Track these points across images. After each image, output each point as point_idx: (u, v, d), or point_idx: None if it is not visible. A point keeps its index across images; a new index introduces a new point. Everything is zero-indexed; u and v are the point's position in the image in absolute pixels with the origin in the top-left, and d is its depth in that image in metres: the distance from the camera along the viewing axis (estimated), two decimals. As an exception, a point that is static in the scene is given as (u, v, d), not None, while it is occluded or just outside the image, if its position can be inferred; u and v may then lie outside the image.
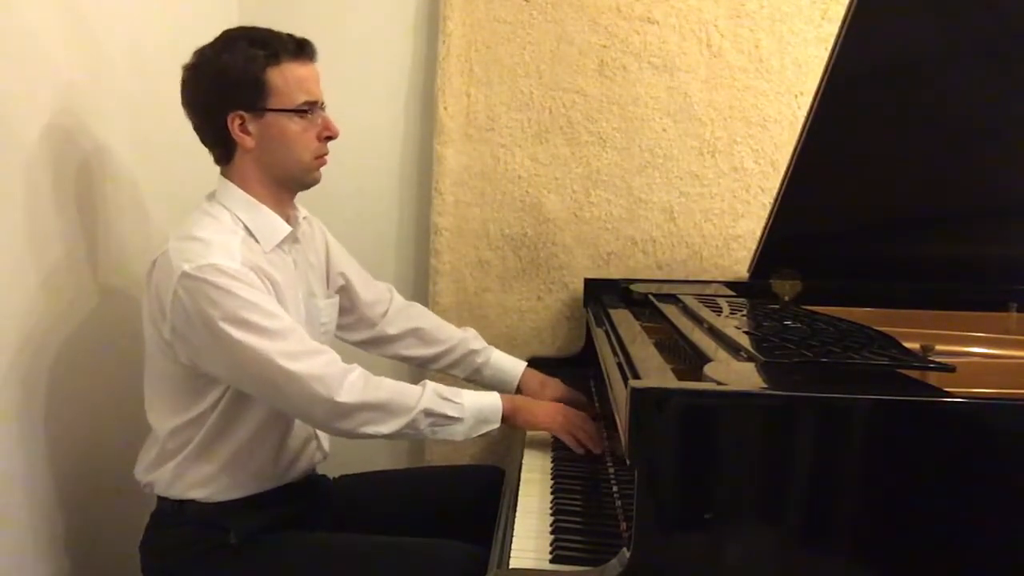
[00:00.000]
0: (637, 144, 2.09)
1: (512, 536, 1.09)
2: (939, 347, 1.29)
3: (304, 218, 1.49)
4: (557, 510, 1.18)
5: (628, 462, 0.88)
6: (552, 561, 1.02)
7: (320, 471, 1.58)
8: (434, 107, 2.10)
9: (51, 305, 1.42)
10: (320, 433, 1.49)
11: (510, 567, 1.01)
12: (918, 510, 0.86)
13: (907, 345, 1.09)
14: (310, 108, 1.33)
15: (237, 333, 1.22)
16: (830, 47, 1.31)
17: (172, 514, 1.36)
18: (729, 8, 2.06)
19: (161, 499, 1.39)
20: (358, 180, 2.17)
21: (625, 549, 0.88)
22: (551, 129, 2.10)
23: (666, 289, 1.76)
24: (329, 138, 1.38)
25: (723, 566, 0.87)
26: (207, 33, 2.03)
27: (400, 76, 2.19)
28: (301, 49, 1.34)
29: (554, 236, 2.12)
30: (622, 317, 1.60)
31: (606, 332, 1.48)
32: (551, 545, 1.06)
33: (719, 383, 0.88)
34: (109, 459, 1.60)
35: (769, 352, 1.02)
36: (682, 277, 2.10)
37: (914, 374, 0.96)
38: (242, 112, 1.30)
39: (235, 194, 1.35)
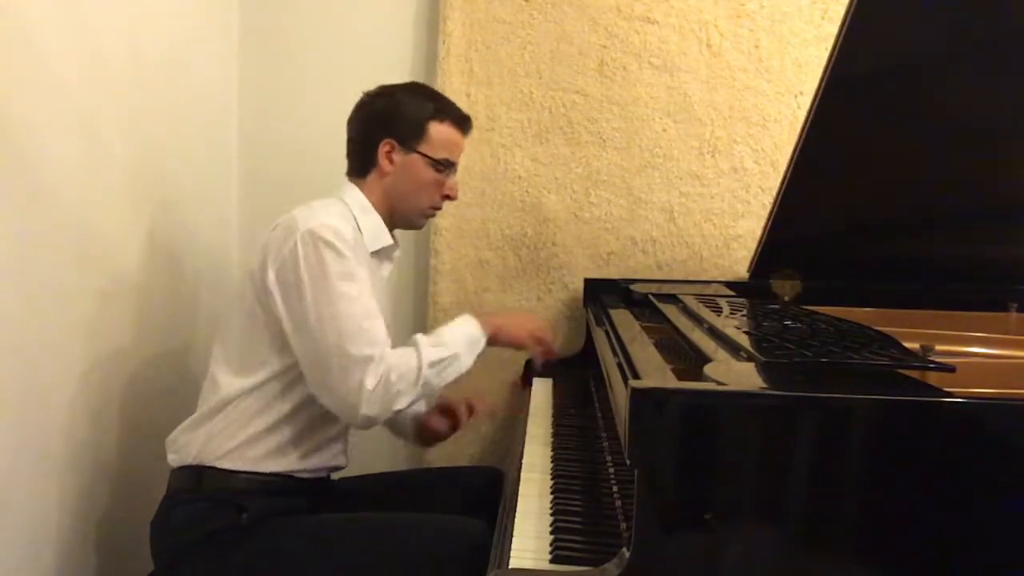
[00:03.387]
0: (637, 144, 2.10)
1: (512, 536, 1.09)
2: (939, 347, 1.28)
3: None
4: (557, 510, 1.18)
5: (628, 462, 0.88)
6: (552, 561, 1.02)
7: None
8: (434, 107, 2.10)
9: (53, 303, 1.42)
10: (347, 439, 1.53)
11: (510, 567, 1.01)
12: (918, 510, 0.86)
13: (907, 345, 1.09)
14: (447, 167, 1.52)
15: (333, 291, 1.33)
16: (830, 47, 1.30)
17: (189, 489, 1.40)
18: (729, 8, 2.06)
19: (179, 472, 1.42)
20: (358, 180, 2.17)
21: (625, 549, 0.88)
22: (551, 129, 2.10)
23: (666, 289, 1.76)
24: (448, 197, 1.55)
25: (723, 566, 0.87)
26: (207, 34, 2.04)
27: (400, 76, 2.18)
28: (463, 122, 1.55)
29: (554, 236, 2.12)
30: (622, 317, 1.60)
31: (606, 332, 1.48)
32: (551, 545, 1.06)
33: (719, 383, 0.88)
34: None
35: (769, 352, 1.02)
36: (682, 277, 2.10)
37: (914, 374, 0.96)
38: (395, 142, 1.49)
39: (356, 195, 1.51)
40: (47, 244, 1.40)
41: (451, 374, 1.41)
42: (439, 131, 1.50)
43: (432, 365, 1.37)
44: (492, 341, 1.49)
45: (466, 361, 1.43)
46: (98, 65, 1.54)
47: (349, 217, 1.47)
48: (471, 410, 1.69)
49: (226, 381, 1.43)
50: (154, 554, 1.42)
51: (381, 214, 1.51)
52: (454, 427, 1.70)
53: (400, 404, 1.34)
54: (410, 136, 1.49)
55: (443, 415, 1.70)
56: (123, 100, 1.63)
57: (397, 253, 1.59)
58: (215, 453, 1.41)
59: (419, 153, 1.49)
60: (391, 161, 1.49)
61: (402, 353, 1.37)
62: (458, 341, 1.42)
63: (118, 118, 1.62)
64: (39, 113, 1.36)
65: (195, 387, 1.53)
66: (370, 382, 1.30)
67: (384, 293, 1.58)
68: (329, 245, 1.35)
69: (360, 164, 1.53)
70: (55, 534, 1.47)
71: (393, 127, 1.49)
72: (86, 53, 1.50)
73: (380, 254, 1.53)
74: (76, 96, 1.47)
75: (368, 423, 1.34)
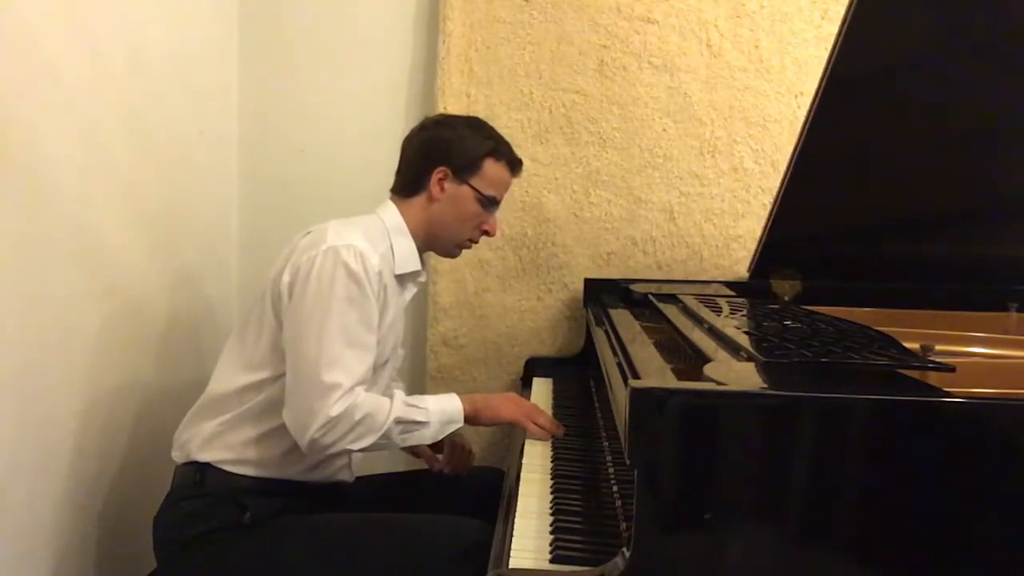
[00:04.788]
0: (637, 144, 2.09)
1: (512, 536, 1.09)
2: (939, 347, 1.28)
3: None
4: (557, 510, 1.18)
5: (628, 462, 0.88)
6: (552, 561, 1.02)
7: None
8: (434, 107, 2.10)
9: (53, 303, 1.42)
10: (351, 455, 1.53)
11: (510, 567, 1.01)
12: (918, 510, 0.86)
13: (907, 345, 1.09)
14: (492, 204, 1.55)
15: (332, 311, 1.34)
16: (830, 47, 1.30)
17: (192, 485, 1.40)
18: (729, 8, 2.06)
19: (184, 468, 1.43)
20: (358, 180, 2.17)
21: (625, 549, 0.88)
22: (551, 129, 2.10)
23: (666, 289, 1.76)
24: (486, 233, 1.58)
25: (723, 566, 0.87)
26: (207, 34, 2.04)
27: (400, 76, 2.19)
28: (516, 165, 1.58)
29: (554, 236, 2.12)
30: (622, 317, 1.60)
31: (606, 332, 1.48)
32: (551, 545, 1.06)
33: (719, 383, 0.88)
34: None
35: (769, 352, 1.02)
36: (682, 277, 2.10)
37: (914, 374, 0.96)
38: (449, 171, 1.51)
39: (394, 216, 1.53)
40: (47, 244, 1.40)
41: (413, 440, 1.41)
42: (493, 169, 1.53)
43: (399, 422, 1.37)
44: (473, 421, 1.49)
45: (433, 433, 1.42)
46: (98, 65, 1.54)
47: (384, 237, 1.48)
48: (460, 459, 1.65)
49: (229, 375, 1.45)
50: (156, 550, 1.43)
51: (416, 238, 1.53)
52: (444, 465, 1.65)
53: (355, 444, 1.34)
54: (465, 168, 1.51)
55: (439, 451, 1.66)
56: (123, 100, 1.63)
57: (423, 279, 1.60)
58: (217, 455, 1.41)
59: (470, 186, 1.52)
60: (442, 189, 1.51)
61: (376, 399, 1.38)
62: (434, 413, 1.42)
63: (118, 118, 1.62)
64: (39, 113, 1.37)
65: (196, 385, 1.53)
66: (335, 410, 1.31)
67: (400, 316, 1.57)
68: (347, 268, 1.36)
69: (409, 185, 1.54)
70: (57, 531, 1.47)
71: (451, 157, 1.51)
72: (86, 53, 1.50)
73: (406, 277, 1.54)
74: (76, 96, 1.47)
75: (312, 448, 1.33)
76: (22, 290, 1.34)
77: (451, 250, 1.59)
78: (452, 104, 2.08)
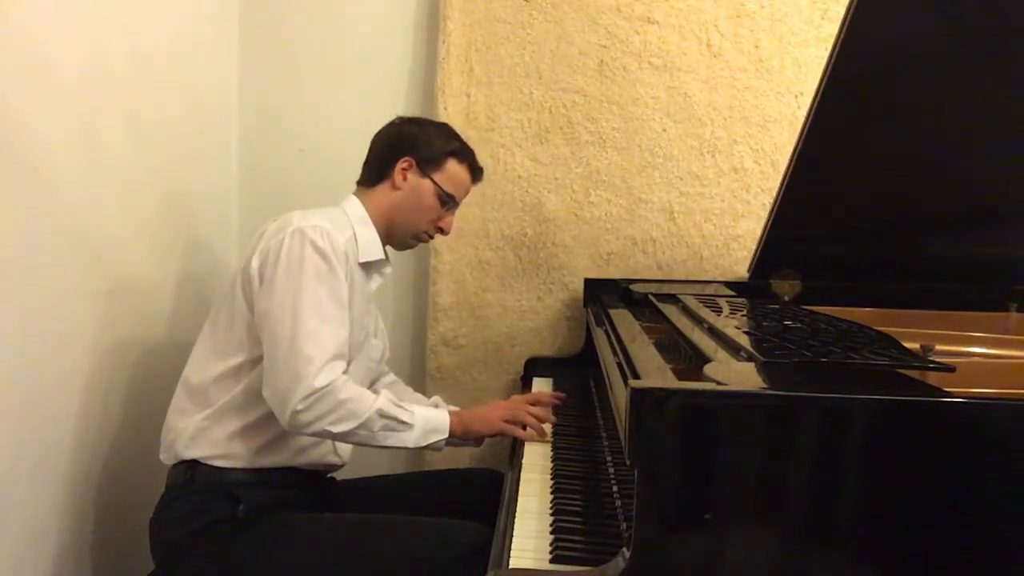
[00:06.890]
0: (637, 144, 2.09)
1: (512, 536, 1.09)
2: (939, 347, 1.28)
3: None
4: (557, 510, 1.18)
5: (628, 462, 0.88)
6: (552, 561, 1.02)
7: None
8: (434, 107, 2.10)
9: (53, 303, 1.42)
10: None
11: (510, 567, 1.01)
12: (918, 510, 0.86)
13: (907, 345, 1.09)
14: (450, 202, 1.59)
15: (303, 287, 1.36)
16: (830, 47, 1.30)
17: (184, 484, 1.41)
18: (729, 8, 2.06)
19: (174, 468, 1.44)
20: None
21: (625, 549, 0.88)
22: (551, 129, 2.10)
23: (666, 289, 1.76)
24: (440, 230, 1.62)
25: (723, 566, 0.87)
26: (207, 33, 2.04)
27: (400, 76, 2.19)
28: (477, 171, 1.64)
29: (554, 236, 2.12)
30: (622, 317, 1.60)
31: (606, 332, 1.48)
32: (551, 545, 1.06)
33: (719, 383, 0.88)
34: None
35: (769, 352, 1.02)
36: (682, 277, 2.10)
37: (914, 374, 0.96)
38: (414, 162, 1.56)
39: (357, 208, 1.57)
40: (47, 244, 1.40)
41: (394, 440, 1.40)
42: (455, 168, 1.58)
43: (383, 415, 1.38)
44: (464, 435, 1.50)
45: (415, 438, 1.42)
46: (98, 65, 1.54)
47: (347, 226, 1.51)
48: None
49: (203, 365, 1.46)
50: (153, 551, 1.43)
51: (378, 228, 1.56)
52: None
53: (335, 427, 1.34)
54: (429, 162, 1.56)
55: None
56: (123, 100, 1.63)
57: (388, 270, 1.61)
58: (204, 451, 1.42)
59: (432, 180, 1.56)
60: (404, 178, 1.56)
61: (361, 389, 1.40)
62: (420, 418, 1.43)
63: (118, 118, 1.62)
64: (40, 113, 1.37)
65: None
66: (319, 381, 1.32)
67: (369, 306, 1.59)
68: (315, 245, 1.39)
69: (374, 174, 1.59)
70: (57, 532, 1.47)
71: (417, 149, 1.56)
72: (86, 53, 1.50)
73: (370, 267, 1.56)
74: (76, 96, 1.47)
75: (294, 422, 1.33)
76: (22, 290, 1.34)
77: (408, 241, 1.62)
78: (452, 104, 2.08)
